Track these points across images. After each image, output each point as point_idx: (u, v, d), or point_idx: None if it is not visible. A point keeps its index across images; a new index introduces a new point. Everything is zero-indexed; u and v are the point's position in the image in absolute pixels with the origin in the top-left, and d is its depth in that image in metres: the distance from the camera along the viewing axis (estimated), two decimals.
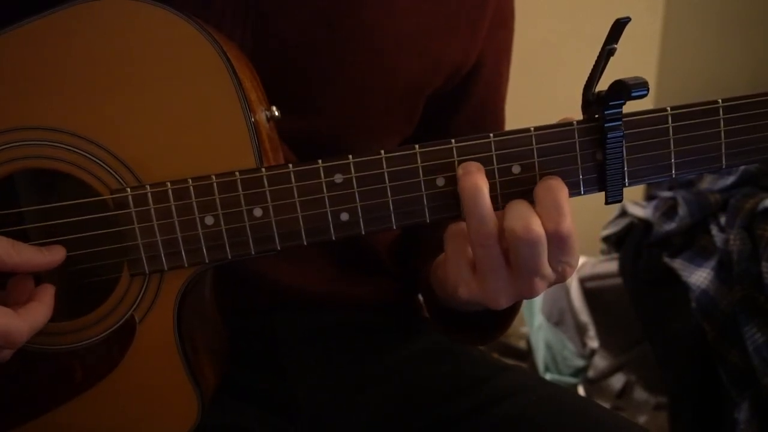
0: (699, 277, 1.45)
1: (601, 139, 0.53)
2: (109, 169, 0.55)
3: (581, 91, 0.54)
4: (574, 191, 0.55)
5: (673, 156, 0.55)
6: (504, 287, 0.54)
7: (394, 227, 0.56)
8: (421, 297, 0.83)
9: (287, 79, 0.66)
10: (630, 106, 0.53)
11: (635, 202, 1.74)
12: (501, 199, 0.55)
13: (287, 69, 0.66)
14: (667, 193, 1.64)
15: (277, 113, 0.59)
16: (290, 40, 0.66)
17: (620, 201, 0.55)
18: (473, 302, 0.56)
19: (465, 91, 0.75)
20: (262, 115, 0.57)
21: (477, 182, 0.52)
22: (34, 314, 0.53)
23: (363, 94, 0.69)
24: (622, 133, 0.53)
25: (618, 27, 0.50)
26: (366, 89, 0.69)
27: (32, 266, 0.54)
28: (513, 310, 0.66)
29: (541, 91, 1.90)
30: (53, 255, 0.55)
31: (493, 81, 0.78)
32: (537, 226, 0.51)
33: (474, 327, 0.70)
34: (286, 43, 0.66)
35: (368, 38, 0.67)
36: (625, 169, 0.54)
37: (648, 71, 2.01)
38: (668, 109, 0.54)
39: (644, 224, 1.64)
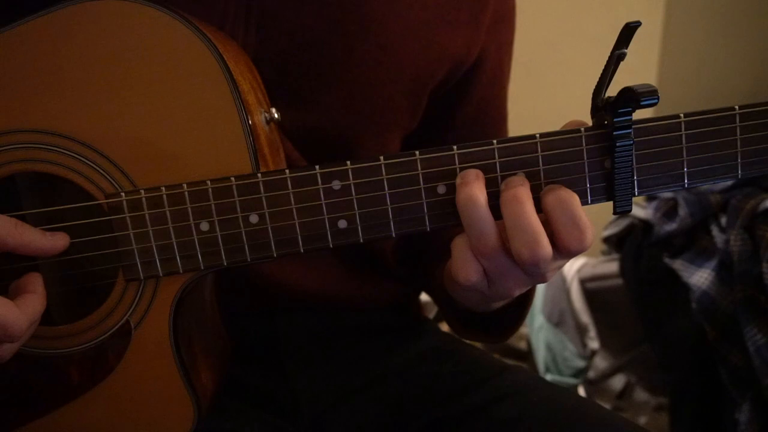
0: (700, 277, 1.45)
1: (610, 147, 0.52)
2: (103, 172, 0.54)
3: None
4: (581, 201, 0.53)
5: (685, 165, 0.53)
6: (516, 284, 0.55)
7: (393, 235, 0.54)
8: (427, 296, 0.83)
9: (291, 76, 0.66)
10: (638, 111, 0.51)
11: (636, 202, 1.73)
12: None
13: (291, 66, 0.66)
14: (667, 194, 1.64)
15: (276, 115, 0.58)
16: (294, 37, 0.65)
17: (629, 211, 0.53)
18: (489, 300, 0.57)
19: (468, 86, 0.75)
20: (260, 118, 0.56)
21: (472, 194, 0.51)
22: (31, 305, 0.52)
23: (368, 89, 0.68)
24: (631, 141, 0.51)
25: (627, 31, 0.49)
26: (371, 84, 0.68)
27: (34, 249, 0.53)
28: (527, 302, 0.67)
29: (541, 91, 1.89)
30: (56, 240, 0.54)
31: (495, 76, 0.77)
32: (544, 248, 0.50)
33: (491, 324, 0.70)
34: (290, 39, 0.65)
35: (372, 33, 0.67)
36: (635, 178, 0.53)
37: (649, 72, 2.00)
38: (681, 116, 0.52)
39: (645, 225, 1.64)
